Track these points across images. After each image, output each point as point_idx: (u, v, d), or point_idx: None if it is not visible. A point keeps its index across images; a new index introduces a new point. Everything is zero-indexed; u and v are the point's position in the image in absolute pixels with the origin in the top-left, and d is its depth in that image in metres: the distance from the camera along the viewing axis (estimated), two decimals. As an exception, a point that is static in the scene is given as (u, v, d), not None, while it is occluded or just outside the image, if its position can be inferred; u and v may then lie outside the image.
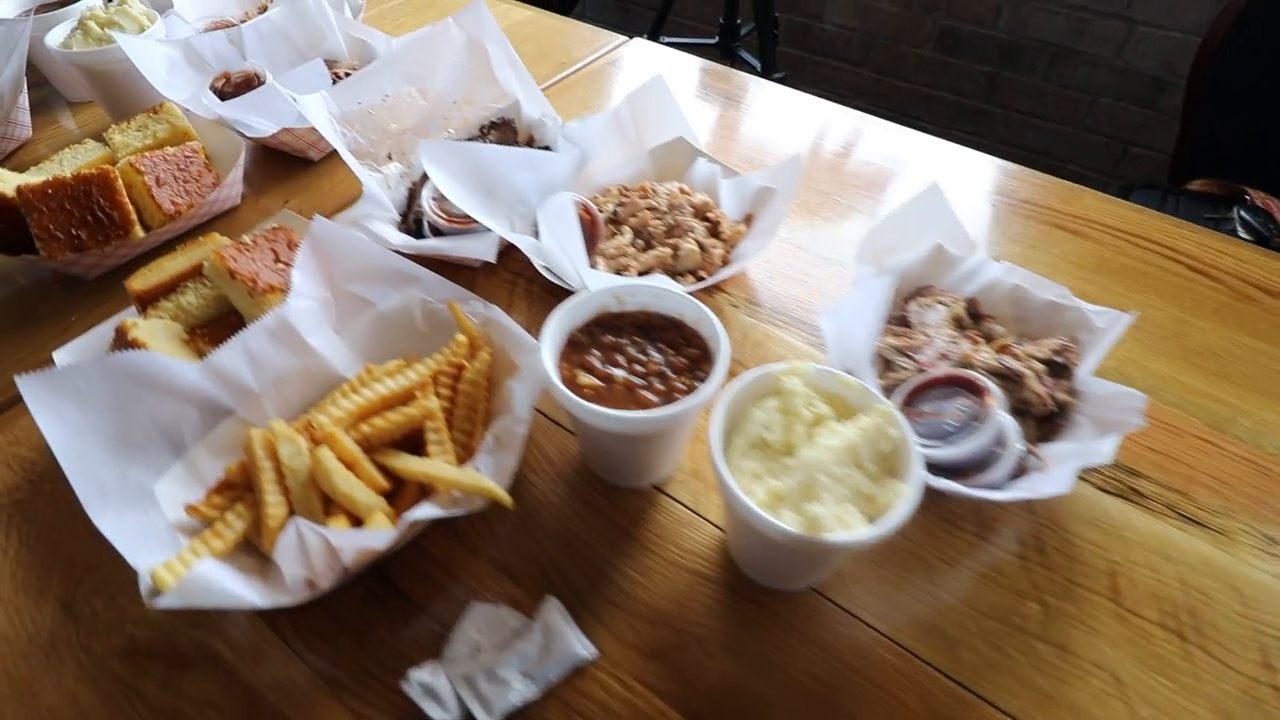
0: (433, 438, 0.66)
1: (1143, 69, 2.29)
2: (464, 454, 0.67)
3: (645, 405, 0.63)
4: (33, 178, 0.90)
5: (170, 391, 0.62)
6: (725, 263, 0.90)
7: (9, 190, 0.84)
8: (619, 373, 0.66)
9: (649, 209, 0.93)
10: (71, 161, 0.96)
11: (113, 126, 0.99)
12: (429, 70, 1.05)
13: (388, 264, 0.78)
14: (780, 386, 0.61)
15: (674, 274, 0.89)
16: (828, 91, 1.21)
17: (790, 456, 0.57)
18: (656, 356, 0.67)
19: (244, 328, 0.74)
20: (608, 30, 1.49)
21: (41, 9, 1.26)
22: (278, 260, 0.76)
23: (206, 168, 0.98)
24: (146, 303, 0.75)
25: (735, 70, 1.35)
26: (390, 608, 0.64)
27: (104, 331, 0.76)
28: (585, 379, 0.65)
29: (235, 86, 1.10)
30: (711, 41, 2.22)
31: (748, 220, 0.96)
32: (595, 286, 0.81)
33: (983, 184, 1.08)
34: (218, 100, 1.04)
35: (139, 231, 0.89)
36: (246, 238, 0.76)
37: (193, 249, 0.80)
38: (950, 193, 0.84)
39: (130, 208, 0.88)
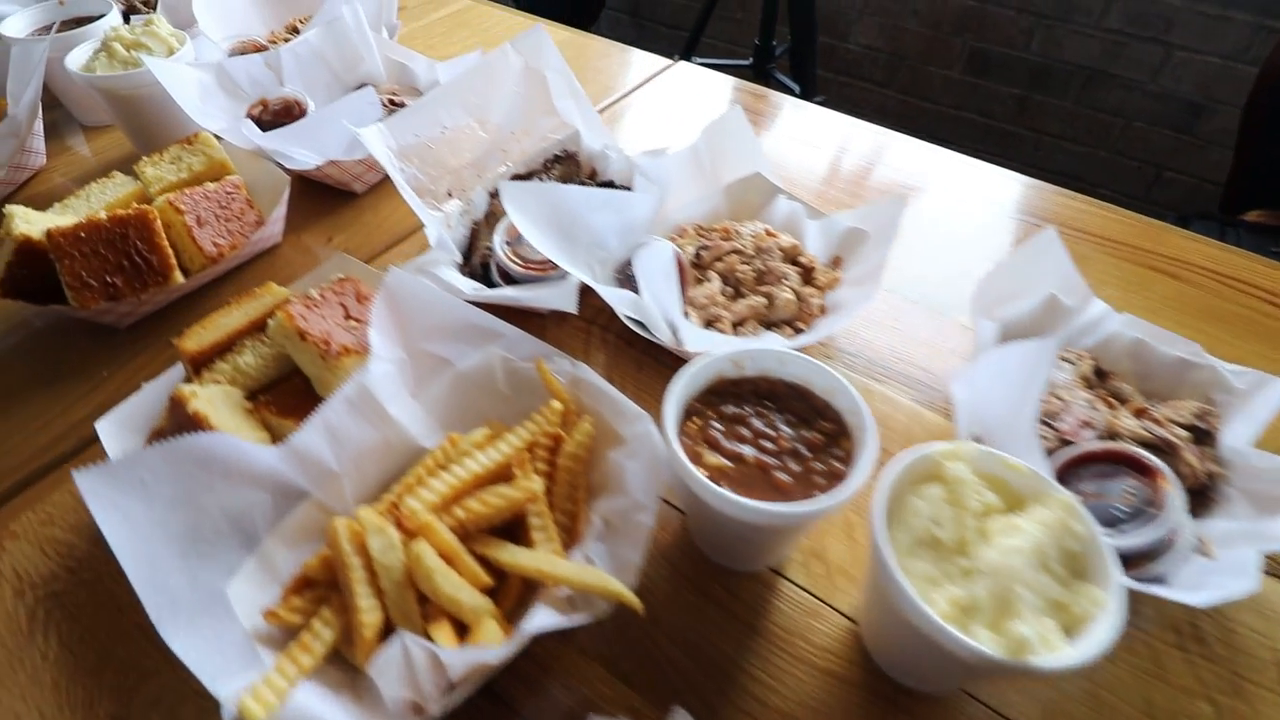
0: (536, 523, 0.59)
1: (1179, 93, 2.27)
2: (567, 539, 0.60)
3: (782, 489, 0.57)
4: (59, 217, 0.83)
5: (243, 477, 0.55)
6: (823, 312, 0.83)
7: (35, 233, 0.76)
8: (747, 450, 0.59)
9: (734, 252, 0.87)
10: (100, 197, 0.88)
11: (144, 159, 0.91)
12: (488, 100, 0.98)
13: (467, 318, 0.71)
14: (943, 472, 0.54)
15: (768, 325, 0.82)
16: (852, 112, 1.18)
17: (964, 556, 0.51)
18: (787, 431, 0.61)
19: (310, 390, 0.68)
20: (637, 49, 1.44)
21: (53, 27, 1.18)
22: (348, 316, 0.69)
23: (248, 204, 0.91)
24: (200, 364, 0.68)
25: (776, 92, 1.30)
26: (491, 718, 0.56)
27: (151, 397, 0.68)
28: (711, 457, 0.58)
29: (275, 114, 1.03)
30: (745, 63, 2.17)
31: (836, 264, 0.90)
32: (693, 344, 0.75)
33: (1063, 221, 1.03)
34: (258, 130, 0.96)
35: (178, 277, 0.81)
36: (314, 291, 0.69)
37: (249, 302, 0.72)
38: (1026, 231, 0.78)
39: (169, 251, 0.80)
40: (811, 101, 1.36)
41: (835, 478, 0.57)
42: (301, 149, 0.97)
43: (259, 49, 1.23)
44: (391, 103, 1.10)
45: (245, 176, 0.95)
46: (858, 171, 1.14)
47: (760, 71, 2.18)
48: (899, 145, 1.18)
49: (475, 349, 0.71)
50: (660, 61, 1.41)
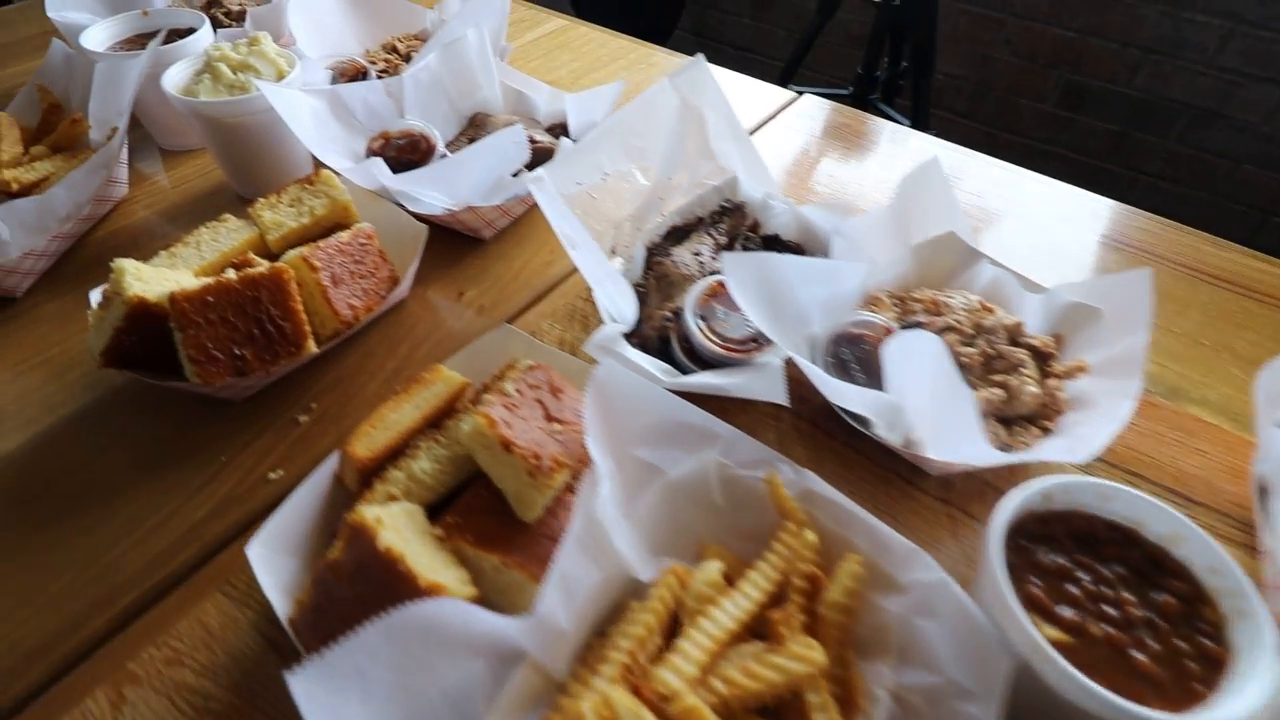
0: (814, 700, 0.48)
1: (1295, 136, 2.16)
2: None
3: (1151, 678, 0.45)
4: (170, 271, 0.72)
5: (465, 648, 0.43)
6: (1068, 408, 0.72)
7: (151, 294, 0.65)
8: (1089, 618, 0.48)
9: (950, 329, 0.75)
10: (212, 245, 0.78)
11: (260, 201, 0.81)
12: (648, 142, 0.87)
13: (681, 417, 0.60)
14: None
15: (1006, 423, 0.71)
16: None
17: None
18: (1128, 594, 0.49)
19: (499, 504, 0.56)
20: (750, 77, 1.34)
21: (154, 40, 1.08)
22: (549, 418, 0.57)
23: (381, 258, 0.80)
24: (371, 474, 0.56)
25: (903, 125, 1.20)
26: None
27: (302, 508, 0.57)
28: (1047, 629, 0.47)
29: (399, 150, 0.92)
30: (844, 92, 2.08)
31: (1057, 344, 0.79)
32: (943, 452, 0.63)
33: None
34: (387, 170, 0.86)
35: (312, 346, 0.70)
36: (510, 386, 0.57)
37: (418, 392, 0.61)
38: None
39: (304, 317, 0.69)
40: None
41: (1212, 664, 0.45)
42: (434, 192, 0.87)
43: (359, 70, 1.13)
44: (532, 140, 1.00)
45: (370, 222, 0.84)
46: (992, 214, 1.03)
47: (862, 101, 2.08)
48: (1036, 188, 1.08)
49: (688, 454, 0.60)
50: (781, 94, 1.30)
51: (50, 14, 1.16)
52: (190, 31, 1.08)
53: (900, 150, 1.18)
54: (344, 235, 0.77)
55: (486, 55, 1.05)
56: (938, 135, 1.21)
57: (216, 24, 1.27)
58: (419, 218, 0.86)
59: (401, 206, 0.86)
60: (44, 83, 1.00)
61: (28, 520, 0.66)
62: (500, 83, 1.10)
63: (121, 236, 0.95)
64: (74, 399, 0.75)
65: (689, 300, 0.73)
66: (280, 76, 0.94)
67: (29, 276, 0.85)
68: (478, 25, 1.04)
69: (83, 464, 0.70)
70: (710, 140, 0.93)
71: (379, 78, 1.15)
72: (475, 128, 1.09)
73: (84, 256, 0.91)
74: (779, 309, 0.69)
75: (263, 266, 0.68)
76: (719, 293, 0.74)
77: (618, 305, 0.74)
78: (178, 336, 0.64)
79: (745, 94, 1.30)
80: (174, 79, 0.92)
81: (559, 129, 1.10)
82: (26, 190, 0.87)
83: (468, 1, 1.05)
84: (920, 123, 2.02)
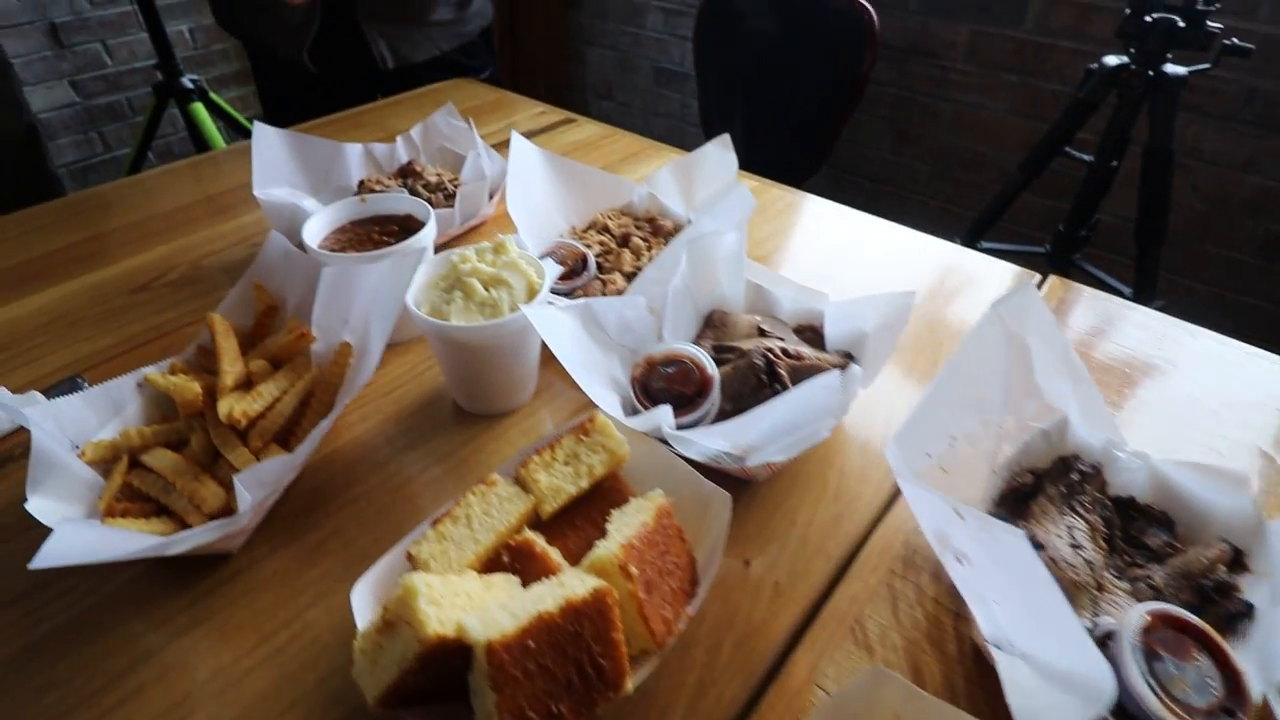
0: None
1: None
2: None
3: None
4: (459, 579, 0.59)
5: None
6: None
7: (450, 627, 0.52)
8: None
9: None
10: (484, 522, 0.65)
11: (533, 461, 0.68)
12: (988, 389, 0.73)
13: None
14: None
15: None
16: (1098, 287, 0.96)
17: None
18: None
19: None
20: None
21: (350, 230, 1.01)
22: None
23: (680, 539, 0.66)
24: None
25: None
26: None
27: None
28: None
29: (668, 380, 0.80)
30: (1040, 250, 1.94)
31: None
32: None
33: None
34: (671, 419, 0.73)
35: (629, 685, 0.55)
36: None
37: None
38: None
39: (625, 651, 0.55)
40: (1150, 306, 1.09)
41: None
42: (720, 438, 0.73)
43: (579, 257, 1.04)
44: (786, 354, 0.87)
45: (651, 479, 0.71)
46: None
47: (1061, 262, 1.93)
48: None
49: None
50: (1014, 269, 1.16)
51: (257, 193, 1.11)
52: (412, 221, 1.01)
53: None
54: (647, 519, 0.63)
55: (740, 255, 0.94)
56: (1163, 307, 1.06)
57: (413, 194, 1.21)
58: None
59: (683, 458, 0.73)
60: (260, 280, 0.92)
61: None
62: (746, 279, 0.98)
63: (340, 461, 0.84)
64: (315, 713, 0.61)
65: (1124, 643, 0.55)
66: (531, 289, 0.84)
67: (247, 531, 0.73)
68: (736, 227, 0.93)
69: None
70: (1035, 374, 0.78)
71: (599, 265, 1.06)
72: (714, 328, 0.97)
73: (300, 491, 0.80)
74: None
75: (580, 586, 0.54)
76: (1156, 629, 0.57)
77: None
78: (488, 697, 0.50)
79: (940, 261, 1.17)
80: (418, 295, 0.82)
81: (806, 330, 0.97)
82: (253, 423, 0.77)
83: (722, 198, 0.95)
84: (1144, 292, 1.84)
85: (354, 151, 1.27)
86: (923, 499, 0.57)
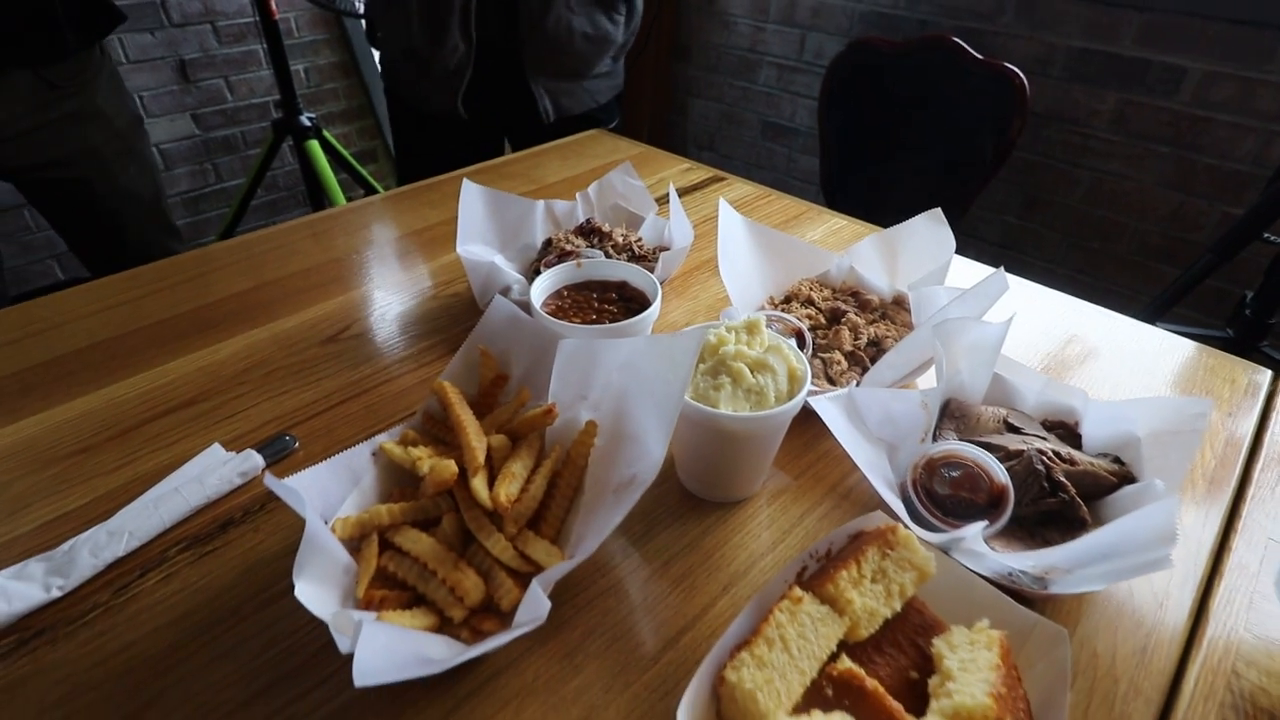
0: None
1: None
2: None
3: None
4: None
5: None
6: None
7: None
8: None
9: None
10: (800, 645, 0.59)
11: (842, 577, 0.63)
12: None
13: None
14: None
15: None
16: None
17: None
18: None
19: None
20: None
21: (566, 297, 0.98)
22: None
23: (1019, 680, 0.59)
24: None
25: None
26: None
27: None
28: None
29: (954, 485, 0.74)
30: (1221, 334, 1.85)
31: None
32: None
33: None
34: (981, 537, 0.67)
35: None
36: None
37: None
38: None
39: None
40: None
41: None
42: (1028, 560, 0.67)
43: (793, 331, 0.99)
44: (1045, 456, 0.80)
45: (944, 598, 0.65)
46: None
47: (1245, 347, 1.84)
48: None
49: None
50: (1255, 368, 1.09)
51: (460, 250, 1.10)
52: (628, 289, 0.98)
53: None
54: (996, 661, 0.57)
55: (999, 345, 0.89)
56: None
57: (606, 256, 1.19)
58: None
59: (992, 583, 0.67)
60: (484, 345, 0.90)
61: None
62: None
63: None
64: None
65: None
66: (793, 375, 0.79)
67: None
68: (985, 314, 0.88)
69: None
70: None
71: (815, 340, 1.01)
72: (952, 418, 0.91)
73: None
74: None
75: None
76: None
77: None
78: None
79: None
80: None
81: (1057, 427, 0.91)
82: (509, 508, 0.73)
83: (980, 282, 0.90)
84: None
85: (539, 209, 1.26)
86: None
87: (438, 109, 1.79)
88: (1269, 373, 1.12)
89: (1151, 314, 2.00)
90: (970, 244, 2.97)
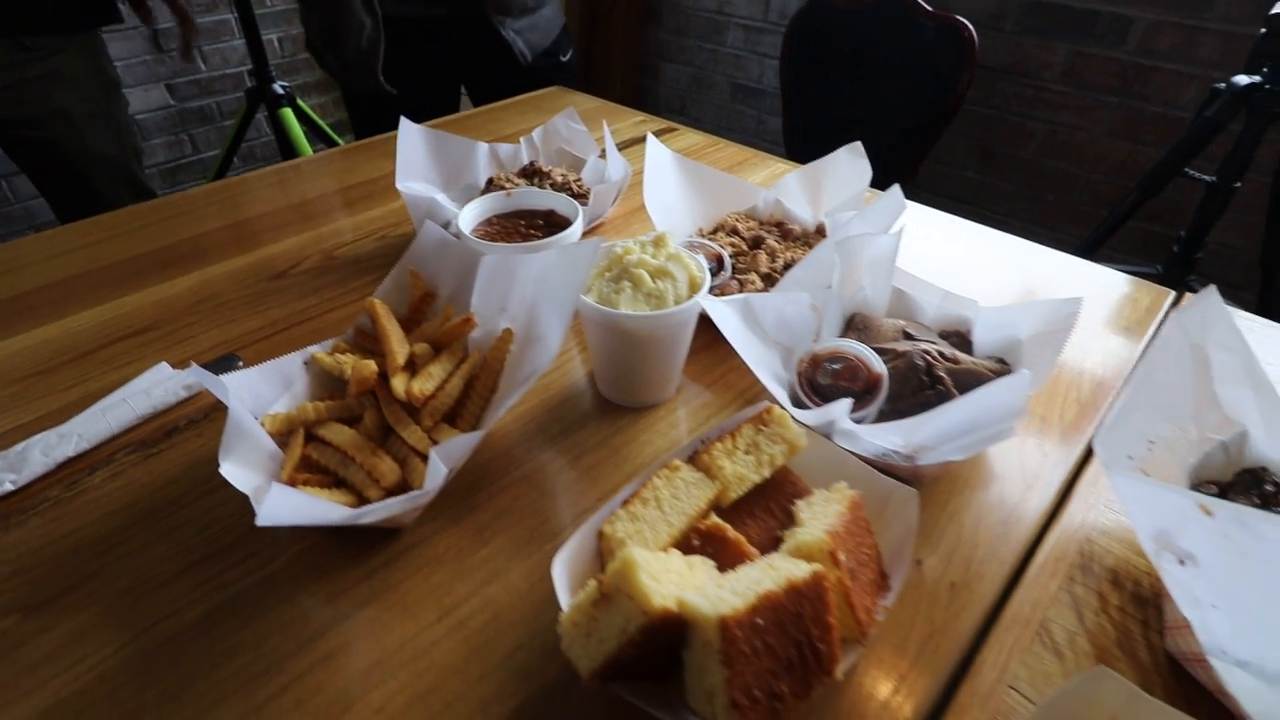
0: None
1: None
2: None
3: None
4: (666, 556, 0.59)
5: None
6: None
7: (671, 600, 0.52)
8: None
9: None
10: (673, 505, 0.65)
11: (716, 448, 0.69)
12: (1177, 395, 0.72)
13: None
14: None
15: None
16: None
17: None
18: None
19: None
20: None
21: (496, 223, 1.04)
22: None
23: (869, 531, 0.65)
24: None
25: None
26: None
27: None
28: None
29: (835, 377, 0.80)
30: (1152, 270, 1.91)
31: None
32: None
33: None
34: (847, 414, 0.73)
35: (840, 671, 0.55)
36: None
37: None
38: None
39: (838, 634, 0.55)
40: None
41: None
42: (893, 435, 0.73)
43: (715, 257, 1.05)
44: (942, 357, 0.86)
45: (819, 473, 0.71)
46: None
47: (1174, 282, 1.90)
48: None
49: None
50: (1147, 285, 1.15)
51: (399, 186, 1.14)
52: (555, 216, 1.03)
53: None
54: (843, 509, 0.63)
55: (893, 259, 0.94)
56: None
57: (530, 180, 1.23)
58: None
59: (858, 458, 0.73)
60: (415, 267, 0.95)
61: None
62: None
63: (495, 445, 0.86)
64: (506, 692, 0.62)
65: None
66: (693, 282, 0.85)
67: (421, 507, 0.75)
68: (887, 230, 0.93)
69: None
70: (1214, 384, 0.77)
71: (734, 264, 1.07)
72: (857, 330, 0.97)
73: (461, 474, 0.81)
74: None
75: (796, 568, 0.54)
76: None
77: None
78: (717, 673, 0.50)
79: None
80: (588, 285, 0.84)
81: (952, 336, 0.96)
82: (424, 403, 0.78)
83: (876, 199, 0.95)
84: (1272, 317, 1.81)
85: (482, 150, 1.30)
86: (1148, 495, 0.56)
87: (359, 89, 1.84)
88: (1172, 293, 1.18)
89: (1085, 250, 2.05)
90: (929, 199, 2.99)
